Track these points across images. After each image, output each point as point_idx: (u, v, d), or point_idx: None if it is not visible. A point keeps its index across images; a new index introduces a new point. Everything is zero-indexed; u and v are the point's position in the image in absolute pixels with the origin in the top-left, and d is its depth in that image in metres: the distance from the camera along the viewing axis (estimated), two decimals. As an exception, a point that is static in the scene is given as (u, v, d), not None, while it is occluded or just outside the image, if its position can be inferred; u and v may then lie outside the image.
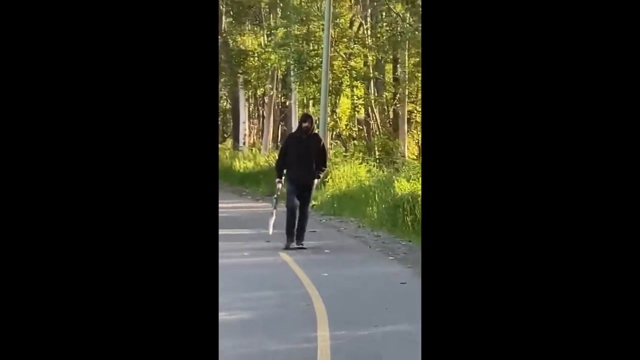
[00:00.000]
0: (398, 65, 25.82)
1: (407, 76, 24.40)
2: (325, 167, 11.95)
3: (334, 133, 27.47)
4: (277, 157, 12.13)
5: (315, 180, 11.39)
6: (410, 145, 26.33)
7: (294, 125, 27.39)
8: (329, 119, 21.71)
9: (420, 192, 13.11)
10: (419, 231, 12.17)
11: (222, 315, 7.05)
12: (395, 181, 14.37)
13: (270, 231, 11.31)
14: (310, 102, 25.24)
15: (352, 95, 27.72)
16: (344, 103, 28.50)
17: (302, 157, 11.07)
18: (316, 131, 12.47)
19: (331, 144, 23.72)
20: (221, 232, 12.61)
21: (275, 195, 11.72)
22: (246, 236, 12.63)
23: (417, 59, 24.60)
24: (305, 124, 11.38)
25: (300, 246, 10.96)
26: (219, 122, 36.39)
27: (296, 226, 11.08)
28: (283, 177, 11.25)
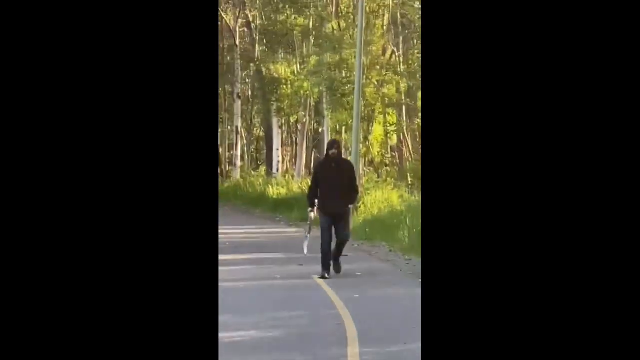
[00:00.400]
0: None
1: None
2: (357, 193, 11.58)
3: (367, 159, 27.67)
4: (309, 186, 11.66)
5: (350, 207, 11.03)
6: (443, 172, 26.47)
7: (327, 152, 27.65)
8: (361, 145, 21.89)
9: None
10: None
11: (254, 333, 7.30)
12: (426, 206, 14.50)
13: (305, 251, 11.21)
14: (343, 128, 25.44)
15: (385, 122, 27.95)
16: (377, 130, 28.72)
17: (333, 186, 10.60)
18: (346, 157, 12.26)
19: (364, 171, 23.89)
20: (255, 256, 12.83)
21: (309, 222, 11.40)
22: (279, 260, 12.83)
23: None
24: (332, 151, 10.89)
25: (338, 271, 10.81)
26: (253, 150, 36.78)
27: (333, 254, 10.72)
28: (316, 207, 10.86)
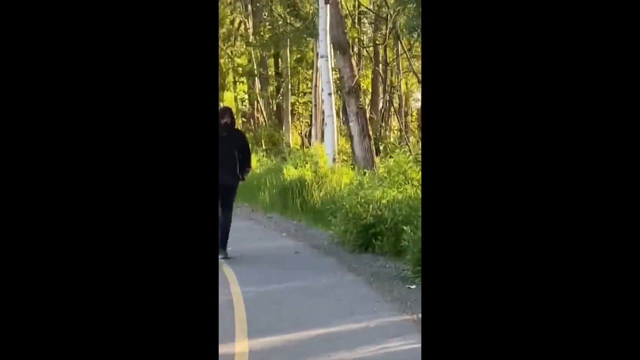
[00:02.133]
0: (280, 61, 27.40)
1: (289, 71, 25.98)
2: (250, 167, 10.37)
3: (223, 126, 28.77)
4: None
5: (240, 183, 10.07)
6: (294, 136, 27.98)
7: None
8: (218, 113, 23.03)
9: (305, 177, 14.77)
10: (307, 212, 13.82)
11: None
12: (284, 168, 15.89)
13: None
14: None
15: (236, 90, 29.12)
16: (227, 97, 29.82)
17: (225, 158, 9.50)
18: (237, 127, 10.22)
19: (220, 137, 25.02)
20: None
21: None
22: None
23: (298, 55, 26.29)
24: (224, 120, 9.75)
25: (224, 257, 9.62)
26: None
27: (219, 233, 9.55)
28: None
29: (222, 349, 5.71)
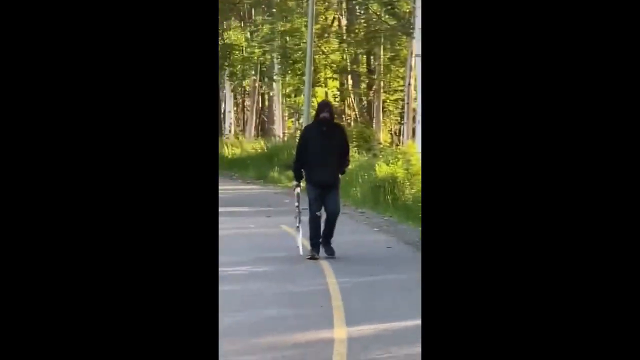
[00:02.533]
0: (372, 58, 27.65)
1: (382, 69, 26.21)
2: (349, 162, 9.94)
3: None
4: (295, 155, 9.64)
5: (340, 177, 9.50)
6: (384, 133, 28.21)
7: (276, 114, 29.27)
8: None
9: (397, 174, 14.96)
10: (398, 208, 14.02)
11: (247, 268, 8.85)
12: (376, 165, 16.11)
13: (301, 250, 9.55)
14: (293, 93, 26.90)
15: (327, 86, 29.51)
16: (320, 93, 30.22)
17: (325, 154, 9.12)
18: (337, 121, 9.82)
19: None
20: (223, 209, 14.22)
21: (297, 203, 9.66)
22: (247, 212, 14.41)
23: (392, 54, 26.49)
24: (323, 114, 9.30)
25: (331, 255, 9.25)
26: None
27: (323, 232, 9.32)
28: (302, 179, 9.42)
29: (322, 334, 6.00)
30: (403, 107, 27.12)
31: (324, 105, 9.70)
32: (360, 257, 9.63)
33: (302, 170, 9.32)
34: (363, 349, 5.68)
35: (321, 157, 9.15)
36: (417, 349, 5.67)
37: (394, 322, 6.45)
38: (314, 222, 9.27)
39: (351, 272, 8.61)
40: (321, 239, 9.29)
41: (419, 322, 6.50)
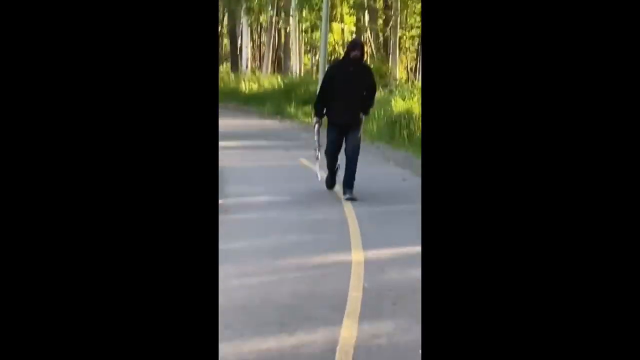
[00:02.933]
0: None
1: (399, 4, 26.20)
2: (373, 105, 9.69)
3: (332, 58, 29.34)
4: (318, 92, 9.57)
5: (363, 118, 9.25)
6: (400, 69, 28.31)
7: (293, 50, 29.35)
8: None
9: (413, 110, 15.18)
10: (413, 143, 14.28)
11: (265, 197, 9.17)
12: (392, 100, 16.33)
13: (319, 177, 9.67)
14: (309, 29, 26.95)
15: (344, 22, 29.52)
16: (336, 28, 30.27)
17: (349, 94, 8.90)
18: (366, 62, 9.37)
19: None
20: (241, 143, 14.55)
21: (316, 138, 9.54)
22: (265, 146, 14.71)
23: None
24: (354, 53, 8.97)
25: (351, 197, 8.94)
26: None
27: (344, 178, 9.14)
28: (323, 117, 9.24)
29: (340, 257, 6.33)
30: (419, 44, 27.15)
31: (355, 44, 9.30)
32: (377, 188, 9.92)
33: (324, 107, 9.10)
34: (379, 270, 6.01)
35: (346, 97, 8.89)
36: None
37: (409, 246, 6.75)
38: (331, 156, 9.26)
39: (367, 201, 8.92)
40: (343, 185, 9.15)
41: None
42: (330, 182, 9.49)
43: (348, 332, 4.60)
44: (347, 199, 8.87)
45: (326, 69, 10.62)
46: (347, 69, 8.97)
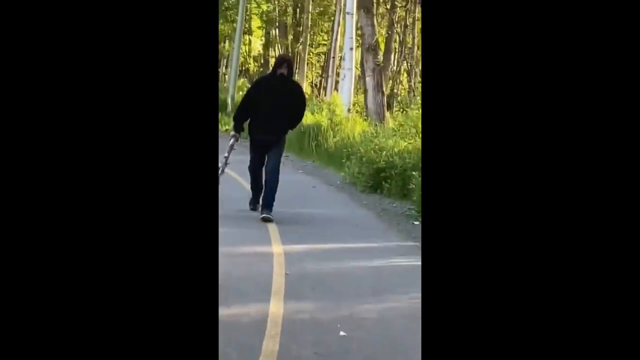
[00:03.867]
0: (298, 11, 28.57)
1: (310, 22, 27.16)
2: (299, 121, 9.10)
3: (244, 69, 30.08)
4: (238, 107, 8.90)
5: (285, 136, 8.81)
6: (305, 84, 29.26)
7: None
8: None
9: (321, 123, 16.06)
10: (321, 154, 15.15)
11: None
12: (302, 113, 17.16)
13: (220, 170, 8.66)
14: (223, 41, 27.60)
15: (254, 35, 30.29)
16: (254, 43, 31.03)
17: (275, 114, 8.48)
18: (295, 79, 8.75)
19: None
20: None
21: (225, 154, 8.63)
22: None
23: (321, 8, 27.47)
24: (281, 70, 8.49)
25: (268, 216, 8.41)
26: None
27: (263, 196, 8.66)
28: (241, 131, 8.82)
29: (262, 248, 7.09)
30: (326, 61, 28.14)
31: (283, 60, 8.69)
32: (289, 193, 10.69)
33: (243, 122, 8.66)
34: (298, 261, 6.80)
35: (271, 117, 8.46)
36: (344, 265, 6.83)
37: (322, 244, 7.58)
38: (254, 172, 8.86)
39: (282, 204, 9.67)
40: (261, 202, 8.71)
41: (346, 245, 7.66)
42: (254, 204, 8.99)
43: (275, 307, 5.36)
44: (263, 219, 8.38)
45: (252, 83, 9.97)
46: (273, 85, 8.50)
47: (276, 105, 8.49)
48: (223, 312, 5.12)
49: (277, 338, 4.75)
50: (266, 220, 8.35)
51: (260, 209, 8.68)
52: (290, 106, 8.63)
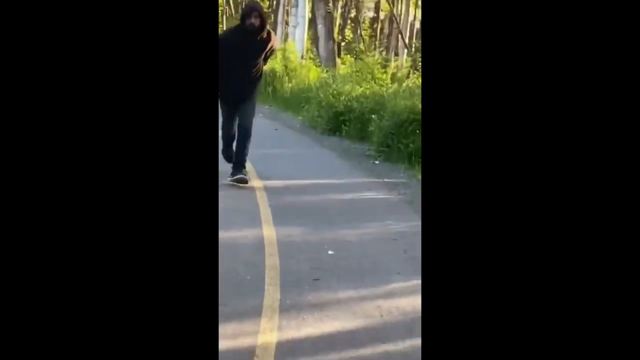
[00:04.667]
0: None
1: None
2: (266, 63, 7.83)
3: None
4: None
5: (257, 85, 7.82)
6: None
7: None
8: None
9: (277, 69, 16.68)
10: (277, 99, 15.83)
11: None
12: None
13: None
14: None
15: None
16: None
17: (245, 68, 7.45)
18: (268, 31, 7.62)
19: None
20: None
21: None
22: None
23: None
24: (250, 20, 7.27)
25: (240, 177, 7.69)
26: None
27: (235, 153, 7.88)
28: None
29: (245, 185, 7.79)
30: (275, 11, 28.59)
31: (251, 9, 7.40)
32: (254, 136, 11.37)
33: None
34: (278, 194, 7.55)
35: (240, 72, 7.45)
36: (321, 197, 7.60)
37: (295, 180, 8.34)
38: (226, 141, 8.00)
39: (255, 147, 10.38)
40: (233, 161, 7.87)
41: (317, 181, 8.41)
42: (227, 154, 8.04)
43: (268, 232, 6.11)
44: (235, 180, 7.66)
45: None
46: (240, 39, 7.33)
47: (247, 60, 7.46)
48: (222, 235, 5.86)
49: (276, 256, 5.51)
50: (239, 180, 7.78)
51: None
52: (260, 57, 7.57)
